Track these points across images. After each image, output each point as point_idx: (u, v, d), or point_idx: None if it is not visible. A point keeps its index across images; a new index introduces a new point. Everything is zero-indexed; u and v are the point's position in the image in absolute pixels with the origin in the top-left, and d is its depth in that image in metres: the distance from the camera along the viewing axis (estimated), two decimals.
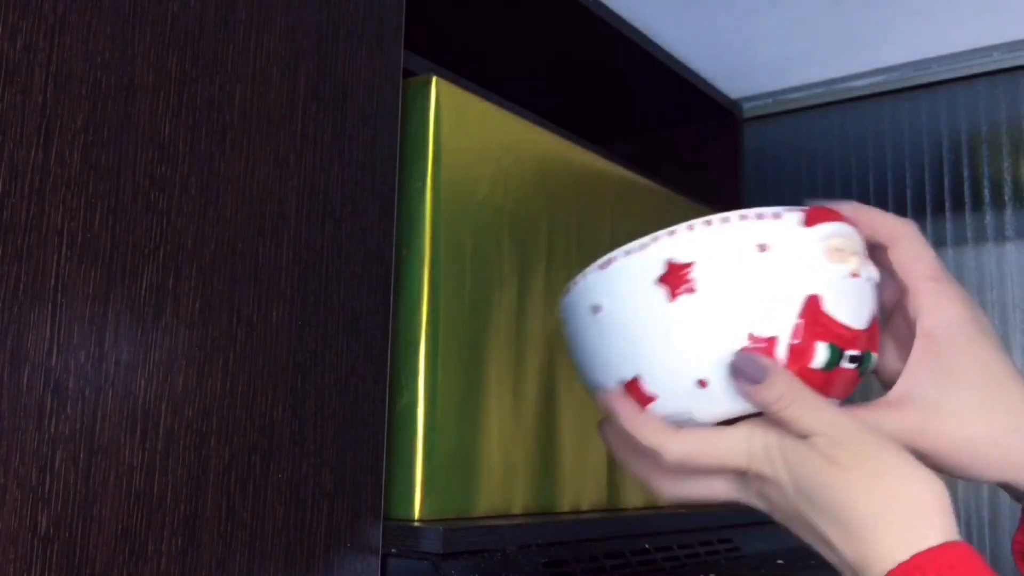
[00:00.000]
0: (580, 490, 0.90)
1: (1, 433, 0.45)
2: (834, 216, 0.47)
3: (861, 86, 1.31)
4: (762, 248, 0.45)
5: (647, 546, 0.62)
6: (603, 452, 0.94)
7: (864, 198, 1.30)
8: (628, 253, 0.47)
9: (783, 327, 0.45)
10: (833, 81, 1.32)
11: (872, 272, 0.48)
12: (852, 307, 0.46)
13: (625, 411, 0.47)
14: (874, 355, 0.48)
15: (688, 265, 0.45)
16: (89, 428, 0.48)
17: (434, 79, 0.76)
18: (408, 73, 0.73)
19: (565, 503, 0.88)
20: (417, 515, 0.71)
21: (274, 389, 0.58)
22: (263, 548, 0.56)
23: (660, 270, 0.46)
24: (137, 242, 0.51)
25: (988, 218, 1.21)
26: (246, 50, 0.59)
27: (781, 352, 0.45)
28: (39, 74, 0.48)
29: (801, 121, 1.37)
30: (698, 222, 0.46)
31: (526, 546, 0.72)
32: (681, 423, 0.47)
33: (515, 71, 1.11)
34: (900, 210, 1.27)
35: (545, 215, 0.89)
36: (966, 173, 1.24)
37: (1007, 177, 1.21)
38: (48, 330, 0.47)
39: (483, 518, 0.77)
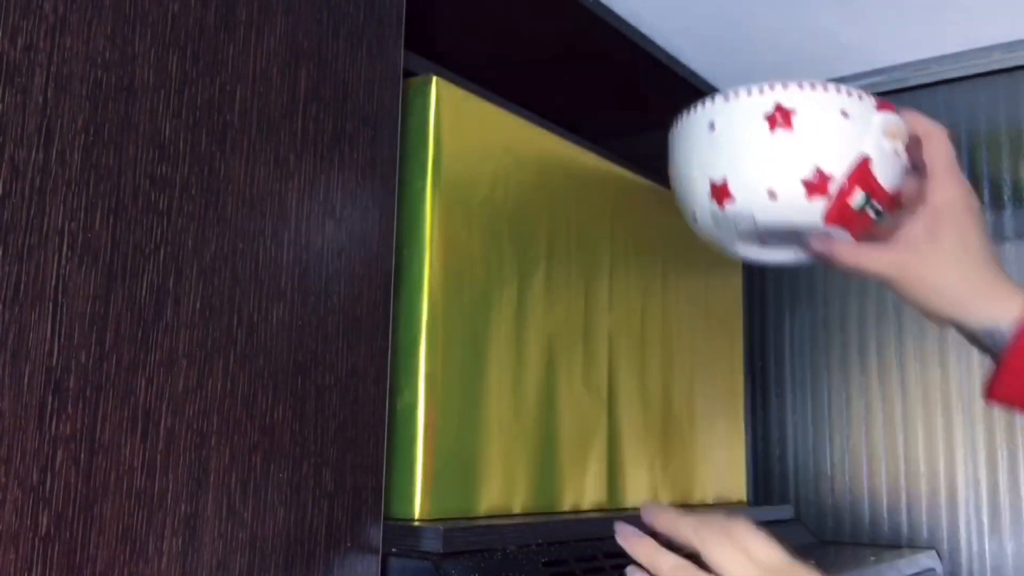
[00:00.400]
0: (580, 490, 0.90)
1: (2, 433, 0.45)
2: (895, 109, 0.65)
3: (861, 86, 1.31)
4: (844, 115, 0.63)
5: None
6: (603, 452, 0.94)
7: None
8: (749, 92, 0.64)
9: (840, 170, 0.62)
10: (833, 81, 1.32)
11: (906, 158, 0.64)
12: (888, 174, 0.63)
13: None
14: (889, 214, 0.64)
15: (791, 111, 0.63)
16: (90, 428, 0.48)
17: (434, 79, 0.76)
18: (408, 73, 0.73)
19: (565, 503, 0.88)
20: (417, 515, 0.71)
21: (274, 389, 0.58)
22: (263, 548, 0.57)
23: (769, 109, 0.63)
24: (138, 242, 0.51)
25: (988, 218, 1.21)
26: (246, 50, 0.59)
27: (833, 187, 0.62)
28: (40, 74, 0.48)
29: None
30: (805, 83, 0.65)
31: (526, 545, 0.72)
32: (743, 223, 0.65)
33: (515, 71, 1.11)
34: None
35: (545, 215, 0.89)
36: (966, 173, 1.24)
37: (1006, 177, 1.21)
38: (49, 330, 0.47)
39: (483, 518, 0.77)
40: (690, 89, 1.25)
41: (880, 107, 0.64)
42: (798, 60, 1.29)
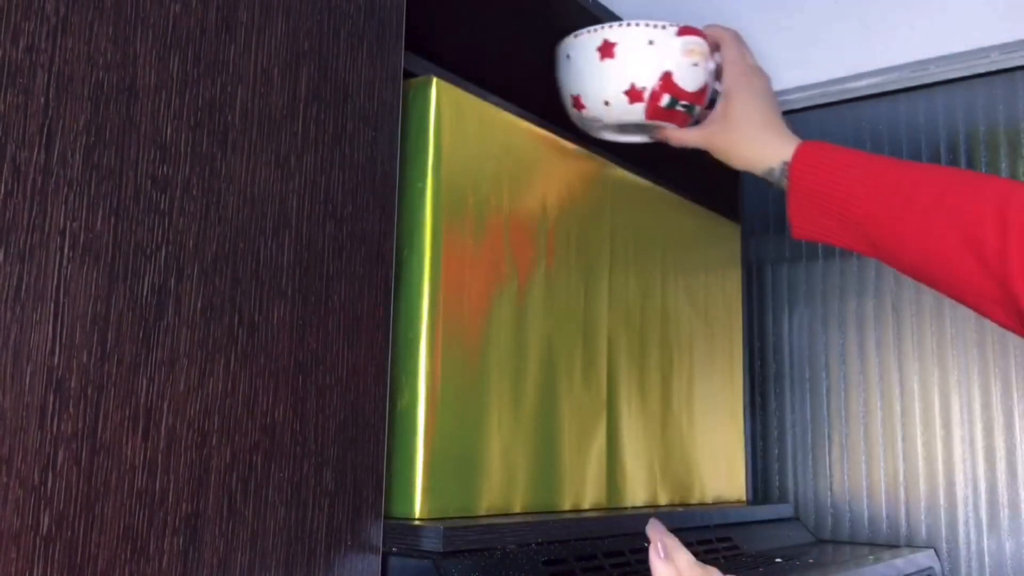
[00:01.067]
0: (580, 490, 0.90)
1: (3, 432, 0.45)
2: (694, 32, 0.86)
3: (861, 86, 1.31)
4: (650, 43, 0.85)
5: (646, 545, 0.63)
6: (603, 452, 0.95)
7: None
8: (589, 32, 0.87)
9: (650, 83, 0.85)
10: (833, 81, 1.32)
11: (710, 64, 0.87)
12: (688, 81, 0.86)
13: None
14: (698, 106, 0.88)
15: (614, 44, 0.85)
16: (91, 427, 0.48)
17: (434, 79, 0.76)
18: (408, 73, 0.74)
19: (565, 503, 0.88)
20: (417, 514, 0.71)
21: (275, 389, 0.58)
22: (264, 547, 0.57)
23: (599, 43, 0.86)
24: (139, 242, 0.52)
25: None
26: (247, 51, 0.59)
27: (646, 95, 0.85)
28: (41, 75, 0.48)
29: (800, 121, 1.37)
30: (624, 23, 0.86)
31: (526, 544, 0.72)
32: (597, 123, 0.90)
33: (515, 71, 1.11)
34: None
35: (545, 215, 0.89)
36: None
37: (1005, 177, 1.21)
38: (50, 330, 0.47)
39: (483, 517, 0.77)
40: None
41: (681, 32, 0.87)
42: (799, 60, 1.29)
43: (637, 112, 0.87)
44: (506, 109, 0.87)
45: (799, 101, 1.36)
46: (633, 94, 0.86)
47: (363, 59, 0.67)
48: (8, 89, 0.46)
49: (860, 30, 1.19)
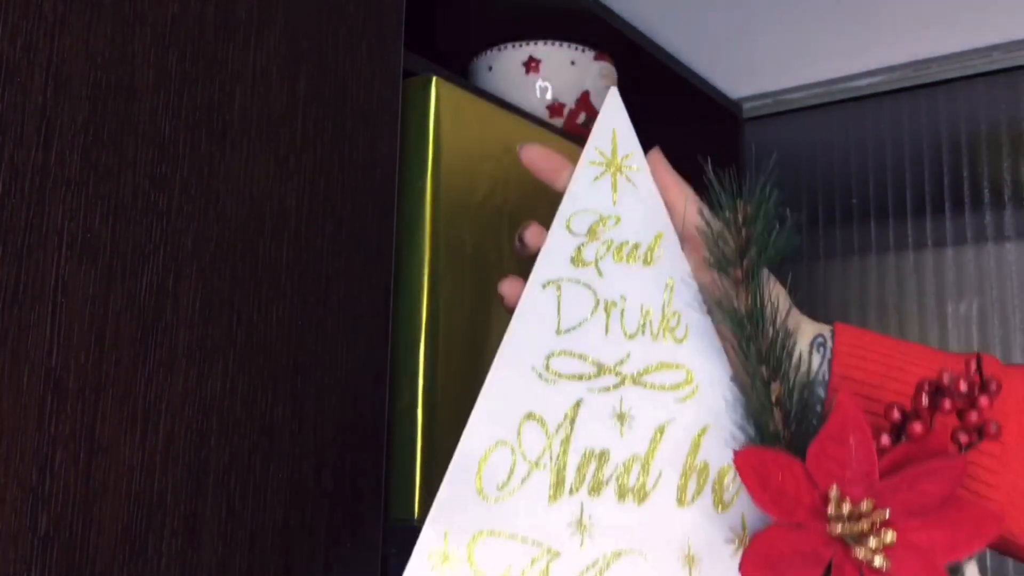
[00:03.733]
0: None
1: (1, 432, 0.45)
2: (607, 58, 0.99)
3: (861, 86, 1.31)
4: (572, 63, 0.96)
5: None
6: None
7: (864, 198, 1.30)
8: (512, 47, 0.97)
9: (570, 100, 0.95)
10: (833, 81, 1.32)
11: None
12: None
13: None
14: None
15: (539, 60, 0.96)
16: (89, 428, 0.48)
17: (434, 79, 0.76)
18: (408, 73, 0.73)
19: None
20: (417, 515, 0.71)
21: (274, 389, 0.58)
22: (263, 548, 0.56)
23: (525, 59, 0.96)
24: (137, 242, 0.51)
25: (988, 218, 1.21)
26: (246, 50, 0.59)
27: (566, 111, 0.96)
28: (39, 74, 0.48)
29: (801, 121, 1.37)
30: (549, 41, 0.96)
31: None
32: None
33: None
34: (900, 210, 1.27)
35: (545, 215, 0.89)
36: (965, 173, 1.24)
37: (1007, 177, 1.21)
38: (48, 330, 0.47)
39: None
40: (689, 88, 1.25)
41: (597, 58, 0.99)
42: (798, 60, 1.29)
43: (556, 126, 0.94)
44: (506, 109, 0.87)
45: (800, 101, 1.36)
46: (554, 109, 0.96)
47: (363, 58, 0.67)
48: (6, 88, 0.46)
49: (860, 30, 1.19)
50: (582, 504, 0.45)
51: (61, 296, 0.48)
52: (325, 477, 0.61)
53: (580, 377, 0.48)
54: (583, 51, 0.99)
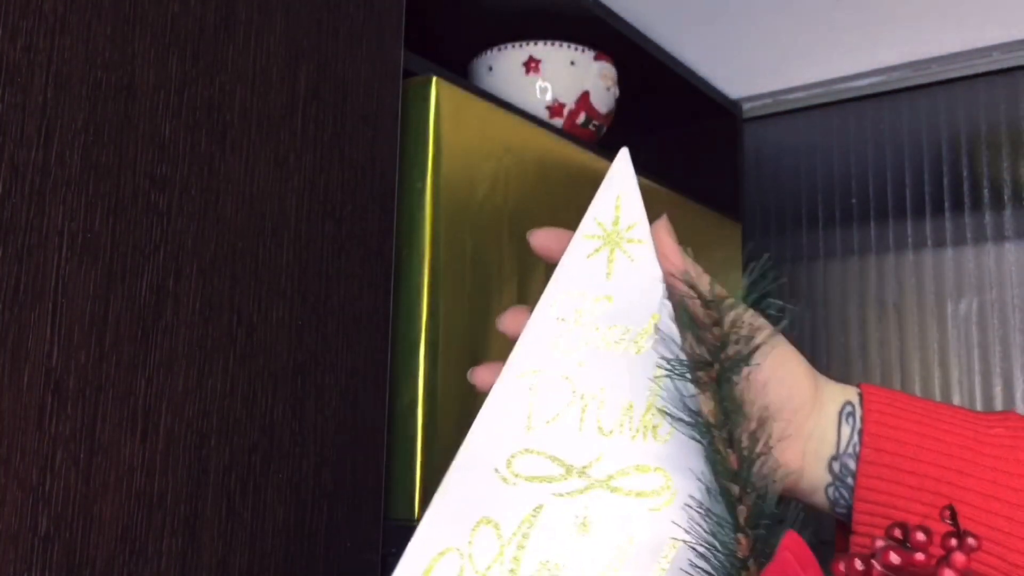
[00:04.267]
0: None
1: (1, 433, 0.45)
2: (608, 59, 1.00)
3: (861, 86, 1.31)
4: (572, 63, 0.96)
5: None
6: None
7: (864, 198, 1.30)
8: (512, 47, 0.97)
9: (570, 100, 0.95)
10: (833, 81, 1.32)
11: (616, 91, 1.00)
12: (602, 102, 0.99)
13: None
14: (604, 126, 1.01)
15: (539, 61, 0.96)
16: (89, 428, 0.48)
17: (434, 79, 0.76)
18: (408, 73, 0.73)
19: None
20: (417, 515, 0.71)
21: (274, 389, 0.58)
22: (263, 548, 0.56)
23: (525, 59, 0.96)
24: (137, 242, 0.51)
25: (987, 218, 1.21)
26: (246, 50, 0.59)
27: (566, 111, 0.96)
28: (39, 74, 0.48)
29: (801, 121, 1.37)
30: (549, 41, 0.97)
31: None
32: None
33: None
34: (900, 210, 1.27)
35: (545, 215, 0.89)
36: (965, 173, 1.24)
37: (1006, 177, 1.21)
38: (48, 330, 0.47)
39: None
40: (689, 88, 1.25)
41: (597, 58, 0.99)
42: (798, 60, 1.29)
43: (556, 125, 0.95)
44: (506, 109, 0.87)
45: (799, 101, 1.36)
46: (554, 108, 0.96)
47: (362, 58, 0.67)
48: (6, 88, 0.46)
49: (860, 30, 1.19)
50: None
51: (61, 296, 0.48)
52: (325, 477, 0.61)
53: (544, 479, 0.44)
54: (583, 51, 0.99)
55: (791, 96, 1.36)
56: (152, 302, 0.52)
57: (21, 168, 0.47)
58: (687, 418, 0.42)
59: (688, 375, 0.42)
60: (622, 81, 1.07)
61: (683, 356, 0.43)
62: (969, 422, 0.48)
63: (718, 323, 0.41)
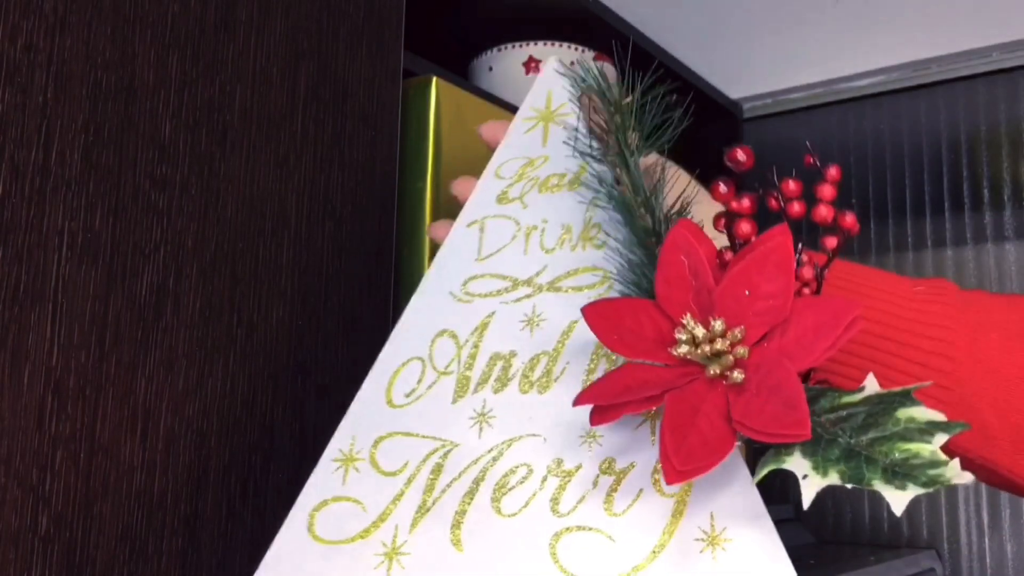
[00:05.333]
0: None
1: (2, 433, 0.45)
2: (607, 59, 0.97)
3: (861, 86, 1.31)
4: (573, 64, 0.88)
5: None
6: None
7: (864, 198, 1.30)
8: (512, 47, 0.98)
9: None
10: (833, 81, 1.32)
11: None
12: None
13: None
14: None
15: (539, 61, 0.97)
16: (89, 428, 0.48)
17: (434, 79, 0.76)
18: (408, 73, 0.73)
19: None
20: None
21: (274, 389, 0.58)
22: (263, 548, 0.56)
23: (525, 59, 0.97)
24: (137, 242, 0.51)
25: (987, 218, 1.21)
26: (246, 50, 0.59)
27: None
28: (39, 74, 0.48)
29: (801, 121, 1.37)
30: (548, 41, 0.97)
31: None
32: None
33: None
34: (900, 210, 1.27)
35: None
36: (965, 173, 1.24)
37: (1006, 177, 1.21)
38: (49, 330, 0.47)
39: None
40: (690, 89, 1.25)
41: (597, 58, 1.00)
42: (798, 60, 1.29)
43: None
44: (506, 109, 0.87)
45: (800, 101, 1.36)
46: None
47: (362, 58, 0.67)
48: (6, 88, 0.46)
49: (860, 30, 1.19)
50: (484, 400, 0.45)
51: (61, 296, 0.48)
52: None
53: (495, 293, 0.49)
54: (583, 51, 0.99)
55: (791, 96, 1.36)
56: (152, 302, 0.52)
57: (21, 168, 0.47)
58: (607, 197, 0.48)
59: (600, 160, 0.49)
60: (622, 82, 1.07)
61: (609, 184, 0.49)
62: (894, 281, 0.51)
63: (619, 111, 0.49)
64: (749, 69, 1.31)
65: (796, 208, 0.44)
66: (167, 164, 0.53)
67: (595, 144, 0.50)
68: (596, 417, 0.38)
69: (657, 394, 0.37)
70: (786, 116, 1.38)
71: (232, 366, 0.56)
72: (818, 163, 0.44)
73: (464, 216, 0.52)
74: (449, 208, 0.77)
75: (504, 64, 0.99)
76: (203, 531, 0.53)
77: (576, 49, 0.99)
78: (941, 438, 0.33)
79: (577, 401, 0.38)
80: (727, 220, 0.44)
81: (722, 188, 0.44)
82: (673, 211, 0.46)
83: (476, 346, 0.47)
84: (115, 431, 0.49)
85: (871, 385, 0.37)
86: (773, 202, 0.45)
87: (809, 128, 1.36)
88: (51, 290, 0.47)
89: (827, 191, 0.44)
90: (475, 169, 0.81)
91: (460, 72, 1.00)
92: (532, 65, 0.98)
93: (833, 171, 0.44)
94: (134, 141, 0.52)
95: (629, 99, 0.50)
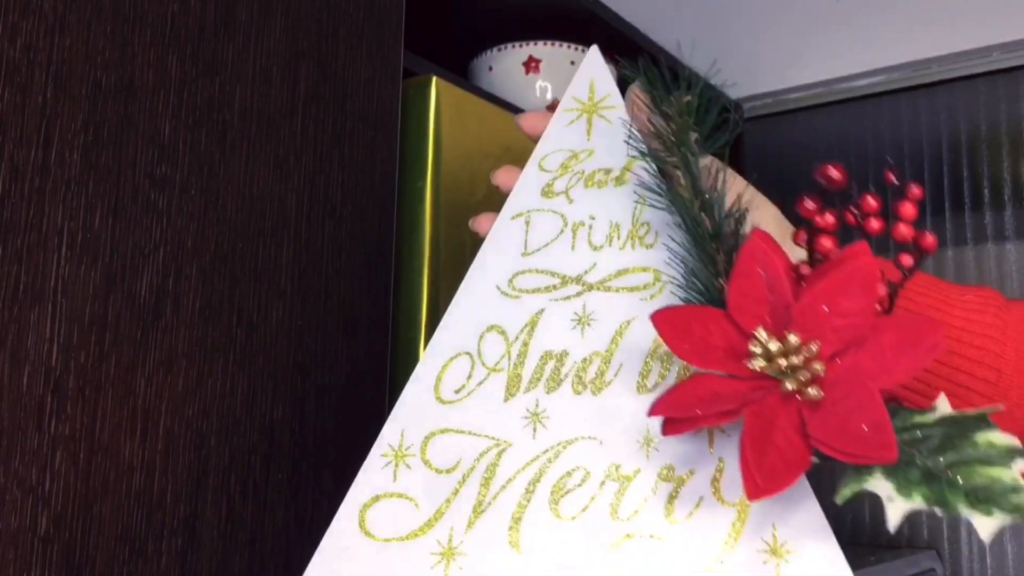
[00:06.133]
0: None
1: (1, 433, 0.45)
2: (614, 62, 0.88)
3: (861, 86, 1.31)
4: (572, 63, 0.95)
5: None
6: None
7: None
8: (512, 46, 0.98)
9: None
10: (833, 81, 1.32)
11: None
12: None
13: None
14: None
15: (539, 60, 0.97)
16: (89, 428, 0.48)
17: (434, 79, 0.76)
18: (408, 73, 0.73)
19: None
20: None
21: (274, 389, 0.58)
22: (263, 549, 0.56)
23: (525, 59, 0.97)
24: (137, 242, 0.51)
25: (987, 218, 1.21)
26: (246, 50, 0.59)
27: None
28: (39, 74, 0.48)
29: (801, 121, 1.37)
30: (549, 41, 0.98)
31: None
32: None
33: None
34: None
35: None
36: (965, 173, 1.24)
37: (1006, 177, 1.21)
38: (48, 330, 0.47)
39: None
40: (690, 89, 1.25)
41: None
42: (798, 60, 1.29)
43: None
44: (506, 109, 0.87)
45: (799, 101, 1.36)
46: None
47: (362, 58, 0.67)
48: (6, 88, 0.46)
49: (860, 29, 1.19)
50: (537, 400, 0.45)
51: (61, 296, 0.48)
52: (325, 477, 0.61)
53: (543, 289, 0.48)
54: (583, 51, 0.99)
55: (791, 96, 1.36)
56: (152, 302, 0.52)
57: (21, 168, 0.47)
58: (663, 198, 0.47)
59: (659, 161, 0.48)
60: (622, 81, 1.07)
61: (659, 179, 0.48)
62: (942, 288, 0.50)
63: (679, 112, 0.48)
64: (749, 69, 1.31)
65: (875, 225, 0.42)
66: (166, 164, 0.53)
67: (649, 143, 0.49)
68: (669, 428, 0.38)
69: (733, 408, 0.36)
70: (786, 116, 1.38)
71: (232, 366, 0.56)
72: (896, 180, 0.43)
73: (508, 208, 0.52)
74: (450, 206, 0.77)
75: (504, 64, 0.99)
76: (203, 531, 0.53)
77: (576, 49, 0.99)
78: (1021, 463, 0.33)
79: (652, 411, 0.38)
80: (808, 235, 0.43)
81: (809, 204, 0.42)
82: (732, 213, 0.45)
83: (526, 344, 0.47)
84: (115, 431, 0.49)
85: (943, 406, 0.36)
86: (850, 217, 0.43)
87: (809, 128, 1.36)
88: (51, 290, 0.47)
89: (908, 210, 0.43)
90: (475, 168, 0.81)
91: (460, 72, 1.00)
92: (532, 65, 0.98)
93: (916, 190, 0.43)
94: (134, 141, 0.52)
95: (689, 98, 0.49)
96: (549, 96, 0.98)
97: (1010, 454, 0.33)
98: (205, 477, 0.54)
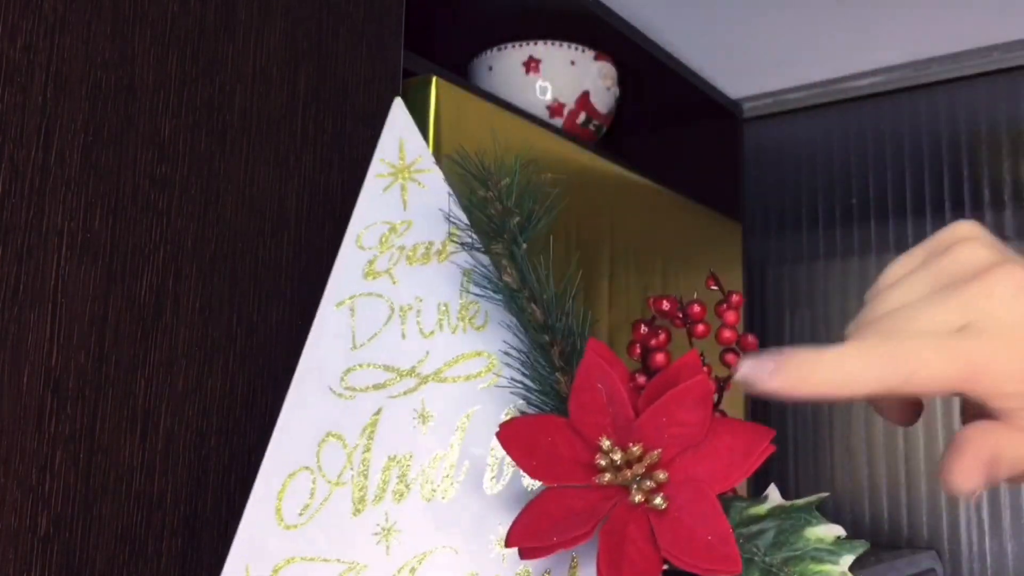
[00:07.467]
0: None
1: (1, 433, 0.45)
2: (608, 59, 1.02)
3: (861, 86, 1.31)
4: (572, 63, 0.97)
5: None
6: None
7: (864, 198, 1.30)
8: (512, 47, 0.98)
9: (570, 99, 0.97)
10: (833, 81, 1.32)
11: (617, 91, 1.02)
12: (601, 103, 1.00)
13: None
14: (604, 127, 1.02)
15: (539, 60, 0.97)
16: (89, 428, 0.48)
17: (434, 79, 0.76)
18: (408, 73, 0.73)
19: None
20: None
21: (274, 389, 0.58)
22: None
23: (525, 59, 0.97)
24: (137, 242, 0.51)
25: (987, 218, 1.21)
26: (246, 50, 0.59)
27: (566, 110, 0.97)
28: (39, 74, 0.48)
29: (801, 121, 1.37)
30: (548, 41, 0.97)
31: None
32: None
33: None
34: (900, 210, 1.27)
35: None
36: (966, 173, 1.24)
37: (1006, 177, 1.21)
38: (48, 330, 0.47)
39: None
40: (690, 89, 1.25)
41: (597, 58, 1.00)
42: (798, 60, 1.29)
43: (556, 125, 0.95)
44: (506, 109, 0.87)
45: (799, 101, 1.36)
46: (554, 108, 0.96)
47: (362, 58, 0.67)
48: (6, 88, 0.46)
49: (860, 30, 1.19)
50: (386, 512, 0.43)
51: (61, 296, 0.48)
52: None
53: (378, 387, 0.46)
54: (583, 51, 0.99)
55: (791, 96, 1.36)
56: (152, 302, 0.52)
57: (21, 168, 0.47)
58: (493, 290, 0.46)
59: (483, 249, 0.47)
60: (622, 81, 1.07)
61: (480, 252, 0.47)
62: None
63: (498, 198, 0.46)
64: (749, 69, 1.31)
65: (701, 329, 0.49)
66: (166, 164, 0.53)
67: (474, 234, 0.47)
68: (527, 554, 0.38)
69: (587, 531, 0.37)
70: (786, 116, 1.38)
71: (232, 366, 0.56)
72: (716, 285, 0.51)
73: (329, 295, 0.49)
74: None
75: (504, 64, 0.99)
76: (203, 531, 0.53)
77: (576, 49, 0.99)
78: (848, 559, 0.36)
79: (509, 541, 0.37)
80: (642, 351, 0.47)
81: (642, 329, 0.47)
82: (566, 308, 0.45)
83: (368, 449, 0.45)
84: (115, 431, 0.49)
85: (773, 495, 0.39)
86: (679, 323, 0.48)
87: (809, 128, 1.36)
88: (51, 290, 0.47)
89: (731, 316, 0.49)
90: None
91: (460, 72, 1.00)
92: (532, 65, 0.98)
93: (736, 298, 0.49)
94: (133, 141, 0.52)
95: (506, 181, 0.47)
96: (549, 96, 0.98)
97: (839, 549, 0.36)
98: (205, 477, 0.54)
